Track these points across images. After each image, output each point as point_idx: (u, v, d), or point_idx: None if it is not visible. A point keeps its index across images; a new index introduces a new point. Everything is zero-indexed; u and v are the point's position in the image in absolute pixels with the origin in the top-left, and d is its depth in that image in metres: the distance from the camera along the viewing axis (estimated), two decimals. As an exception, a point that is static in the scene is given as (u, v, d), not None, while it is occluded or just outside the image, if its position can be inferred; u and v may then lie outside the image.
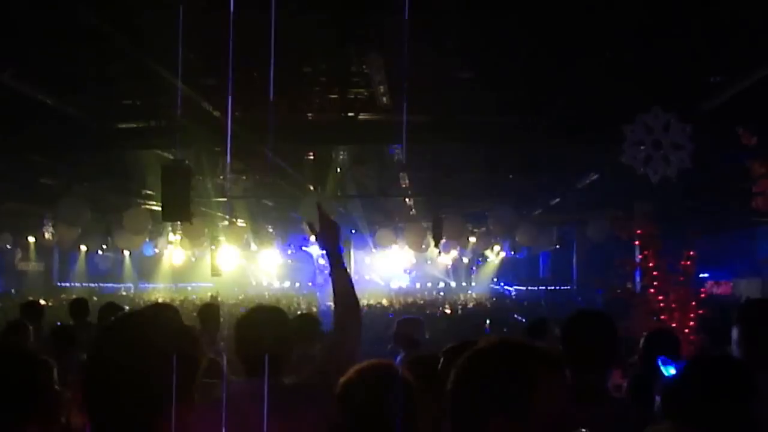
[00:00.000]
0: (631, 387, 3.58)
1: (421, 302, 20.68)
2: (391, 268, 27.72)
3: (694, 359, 2.35)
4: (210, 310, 6.78)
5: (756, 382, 2.07)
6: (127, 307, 7.36)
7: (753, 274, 19.22)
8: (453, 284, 28.37)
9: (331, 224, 2.83)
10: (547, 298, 22.75)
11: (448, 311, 17.16)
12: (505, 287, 26.83)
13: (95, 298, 14.45)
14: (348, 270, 2.88)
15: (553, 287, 25.35)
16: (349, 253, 23.39)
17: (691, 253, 8.11)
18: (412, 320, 5.65)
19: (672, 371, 3.53)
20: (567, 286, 24.76)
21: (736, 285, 19.72)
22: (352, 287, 2.81)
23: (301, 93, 10.59)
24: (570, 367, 2.41)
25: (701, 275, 17.29)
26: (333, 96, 9.63)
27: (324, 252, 2.84)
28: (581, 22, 6.35)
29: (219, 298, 17.80)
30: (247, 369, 2.81)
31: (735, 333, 2.59)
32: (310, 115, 10.60)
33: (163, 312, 1.62)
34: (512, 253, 23.30)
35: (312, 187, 13.37)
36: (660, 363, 3.55)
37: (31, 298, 9.61)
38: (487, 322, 9.78)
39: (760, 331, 2.52)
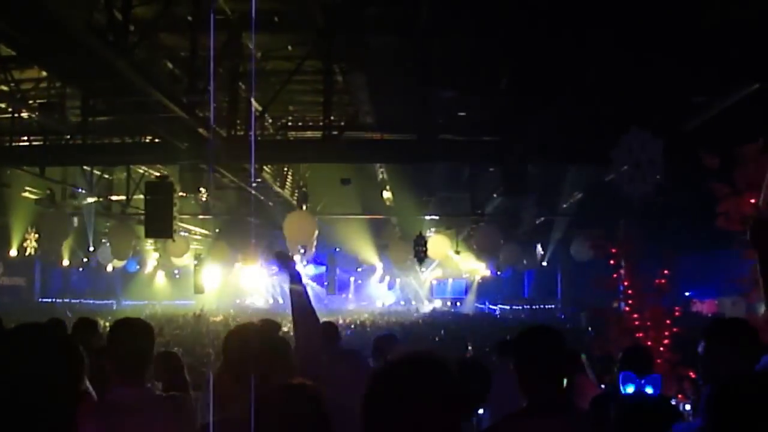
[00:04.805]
0: (591, 403, 3.65)
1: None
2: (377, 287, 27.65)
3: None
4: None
5: None
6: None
7: (737, 292, 19.30)
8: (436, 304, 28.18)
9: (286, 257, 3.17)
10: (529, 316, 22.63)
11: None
12: (490, 306, 26.80)
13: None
14: (307, 287, 3.06)
15: (537, 306, 25.36)
16: (334, 270, 23.39)
17: (666, 271, 8.21)
18: (385, 337, 6.30)
19: (630, 389, 3.58)
20: (551, 305, 24.83)
21: (721, 303, 19.83)
22: (309, 303, 2.95)
23: (285, 112, 10.65)
24: (526, 381, 2.45)
25: (686, 294, 17.39)
26: (316, 115, 9.67)
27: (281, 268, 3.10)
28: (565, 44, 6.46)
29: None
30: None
31: (700, 348, 2.68)
32: (293, 134, 10.64)
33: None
34: (497, 272, 23.30)
35: (297, 205, 13.39)
36: (621, 379, 3.61)
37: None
38: (469, 347, 9.89)
39: (716, 348, 2.62)
